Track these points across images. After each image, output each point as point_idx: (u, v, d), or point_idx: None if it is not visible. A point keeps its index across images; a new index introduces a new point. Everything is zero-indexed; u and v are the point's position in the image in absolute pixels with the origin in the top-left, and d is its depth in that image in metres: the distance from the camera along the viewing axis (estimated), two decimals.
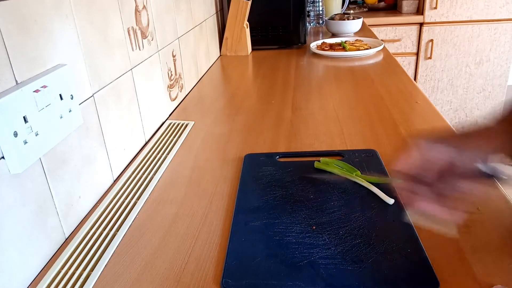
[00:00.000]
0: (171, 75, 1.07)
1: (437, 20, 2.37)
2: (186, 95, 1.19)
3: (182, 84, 1.15)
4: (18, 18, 0.50)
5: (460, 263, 0.49)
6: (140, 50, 0.87)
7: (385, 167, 0.71)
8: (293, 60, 1.50)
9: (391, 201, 0.60)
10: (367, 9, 2.66)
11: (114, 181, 0.74)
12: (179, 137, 0.90)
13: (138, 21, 0.86)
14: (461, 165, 0.47)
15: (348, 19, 1.81)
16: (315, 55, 1.55)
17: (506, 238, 0.53)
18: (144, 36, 0.89)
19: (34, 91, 0.51)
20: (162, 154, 0.83)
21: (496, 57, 2.41)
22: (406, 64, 2.49)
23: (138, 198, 0.68)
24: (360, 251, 0.51)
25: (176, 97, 1.10)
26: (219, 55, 1.64)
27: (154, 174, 0.75)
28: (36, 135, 0.51)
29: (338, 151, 0.77)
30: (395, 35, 2.43)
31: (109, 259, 0.55)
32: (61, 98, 0.56)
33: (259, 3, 1.62)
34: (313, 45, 1.59)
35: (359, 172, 0.68)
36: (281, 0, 1.60)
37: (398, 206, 0.59)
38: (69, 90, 0.58)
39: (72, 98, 0.59)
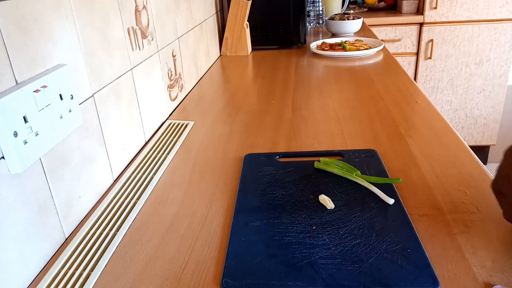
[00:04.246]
0: (171, 75, 1.07)
1: (437, 20, 2.37)
2: (186, 95, 1.19)
3: (182, 84, 1.15)
4: (18, 18, 0.50)
5: (460, 263, 0.49)
6: (140, 50, 0.87)
7: (385, 167, 0.71)
8: (293, 60, 1.50)
9: (391, 201, 0.60)
10: (367, 9, 2.66)
11: (114, 181, 0.74)
12: (179, 137, 0.90)
13: (138, 21, 0.86)
14: None
15: (348, 19, 1.81)
16: (315, 55, 1.55)
17: (506, 238, 0.53)
18: (144, 36, 0.89)
19: (34, 91, 0.51)
20: (162, 154, 0.83)
21: (496, 57, 2.41)
22: (406, 64, 2.49)
23: (138, 198, 0.68)
24: (360, 251, 0.51)
25: (176, 97, 1.10)
26: (219, 55, 1.64)
27: (154, 174, 0.75)
28: (36, 135, 0.51)
29: (338, 151, 0.77)
30: (395, 35, 2.43)
31: (109, 259, 0.55)
32: (61, 98, 0.56)
33: (259, 3, 1.62)
34: (313, 45, 1.59)
35: (359, 172, 0.68)
36: (281, 0, 1.60)
37: (398, 206, 0.59)
38: (69, 90, 0.58)
39: (72, 98, 0.59)
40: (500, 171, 0.51)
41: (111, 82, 0.74)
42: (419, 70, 2.49)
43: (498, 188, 0.51)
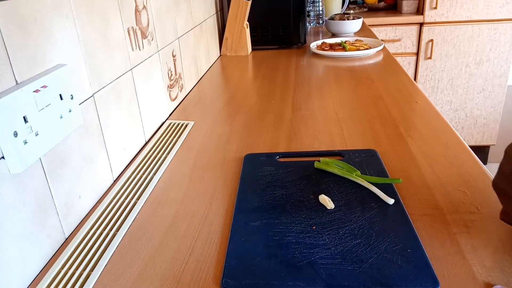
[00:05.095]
0: (171, 75, 1.07)
1: (437, 20, 2.37)
2: (186, 95, 1.19)
3: (182, 84, 1.15)
4: (18, 18, 0.50)
5: (460, 263, 0.49)
6: (140, 50, 0.87)
7: (385, 167, 0.71)
8: (293, 60, 1.50)
9: (391, 201, 0.60)
10: (367, 9, 2.66)
11: (114, 181, 0.74)
12: (179, 137, 0.90)
13: (138, 21, 0.86)
14: None
15: (348, 19, 1.81)
16: (315, 55, 1.55)
17: (506, 238, 0.53)
18: (144, 36, 0.89)
19: (34, 91, 0.51)
20: (162, 154, 0.83)
21: (496, 57, 2.41)
22: (406, 64, 2.49)
23: (138, 198, 0.68)
24: (360, 251, 0.51)
25: (176, 97, 1.10)
26: (219, 55, 1.64)
27: (154, 174, 0.75)
28: (36, 135, 0.51)
29: (338, 151, 0.77)
30: (395, 35, 2.43)
31: (109, 259, 0.55)
32: (61, 98, 0.56)
33: (259, 3, 1.62)
34: (313, 45, 1.59)
35: (359, 172, 0.68)
36: (281, 0, 1.60)
37: (398, 206, 0.59)
38: (69, 90, 0.58)
39: (72, 98, 0.59)
40: (501, 169, 0.51)
41: (111, 82, 0.74)
42: (419, 70, 2.49)
43: (500, 186, 0.51)
